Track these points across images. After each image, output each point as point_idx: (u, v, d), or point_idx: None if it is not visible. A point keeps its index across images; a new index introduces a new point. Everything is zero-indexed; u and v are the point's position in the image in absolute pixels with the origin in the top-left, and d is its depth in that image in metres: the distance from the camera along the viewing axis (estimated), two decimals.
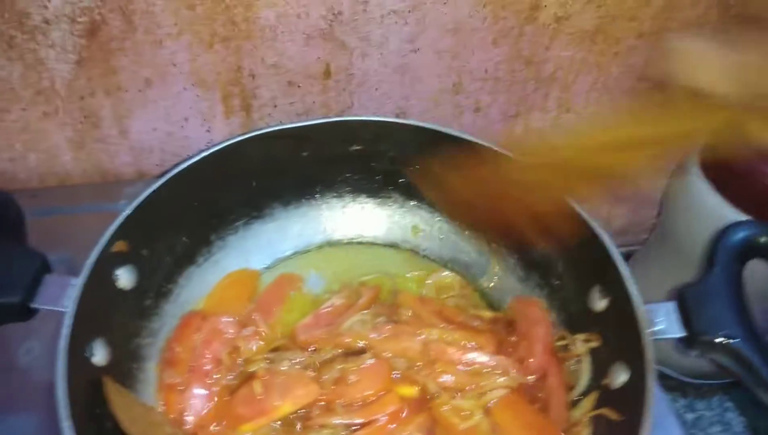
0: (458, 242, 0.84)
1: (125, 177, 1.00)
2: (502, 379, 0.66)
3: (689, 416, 1.14)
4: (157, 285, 0.72)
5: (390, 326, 0.70)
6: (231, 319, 0.71)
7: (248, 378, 0.67)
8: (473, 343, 0.68)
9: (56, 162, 0.96)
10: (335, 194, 0.85)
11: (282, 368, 0.67)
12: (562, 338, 0.69)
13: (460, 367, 0.67)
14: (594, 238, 0.67)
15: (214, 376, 0.67)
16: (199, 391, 0.66)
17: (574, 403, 0.65)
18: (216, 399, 0.66)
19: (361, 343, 0.70)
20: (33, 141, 0.92)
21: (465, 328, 0.70)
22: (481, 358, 0.67)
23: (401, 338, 0.69)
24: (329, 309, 0.74)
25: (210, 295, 0.75)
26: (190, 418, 0.65)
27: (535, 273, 0.77)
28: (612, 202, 1.15)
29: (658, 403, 0.55)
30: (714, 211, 0.91)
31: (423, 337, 0.68)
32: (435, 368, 0.67)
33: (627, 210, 1.22)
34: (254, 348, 0.70)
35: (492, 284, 0.80)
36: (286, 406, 0.64)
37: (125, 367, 0.66)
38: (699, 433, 1.14)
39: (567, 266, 0.72)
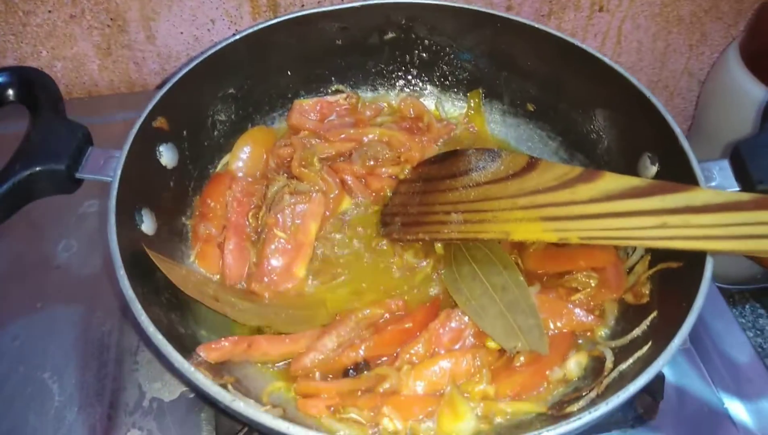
0: None
1: (152, 87, 0.98)
2: None
3: None
4: (199, 168, 0.71)
5: None
6: (256, 179, 0.72)
7: (269, 230, 0.67)
8: None
9: (83, 70, 0.94)
10: (369, 86, 0.84)
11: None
12: None
13: None
14: (641, 101, 0.65)
15: (245, 231, 0.68)
16: (234, 245, 0.66)
17: (630, 270, 0.64)
18: (250, 255, 0.67)
19: None
20: (59, 47, 0.91)
21: None
22: None
23: None
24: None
25: (233, 152, 0.75)
26: (232, 273, 0.65)
27: (580, 153, 0.75)
28: None
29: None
30: (755, 98, 0.89)
31: None
32: None
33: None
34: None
35: None
36: (311, 228, 0.67)
37: (171, 240, 0.66)
38: None
39: (613, 139, 0.71)
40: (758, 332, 1.17)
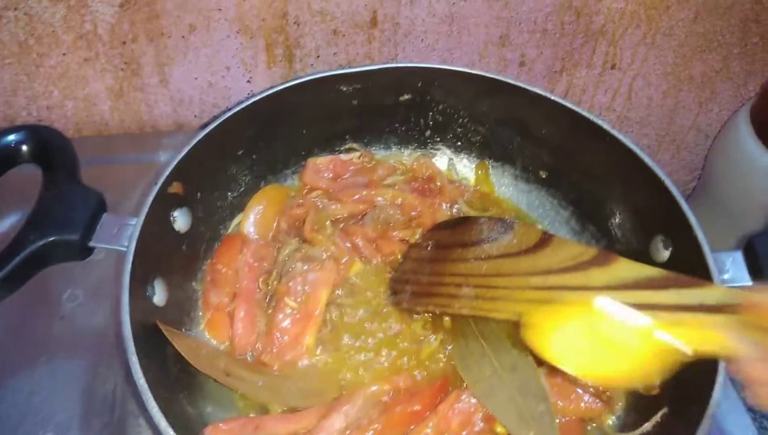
0: None
1: (163, 128, 0.98)
2: None
3: None
4: (211, 230, 0.71)
5: None
6: (268, 241, 0.72)
7: (279, 299, 0.67)
8: None
9: (94, 110, 0.94)
10: (383, 145, 0.84)
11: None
12: None
13: None
14: (657, 185, 0.65)
15: (255, 297, 0.67)
16: (245, 313, 0.66)
17: None
18: (260, 323, 0.66)
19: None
20: (71, 88, 0.91)
21: None
22: None
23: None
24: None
25: (245, 213, 0.75)
26: (241, 343, 0.65)
27: (591, 225, 0.75)
28: None
29: None
30: (763, 166, 0.89)
31: None
32: None
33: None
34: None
35: None
36: (322, 297, 0.67)
37: (180, 308, 0.65)
38: None
39: (627, 216, 0.71)
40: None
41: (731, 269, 0.60)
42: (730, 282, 0.59)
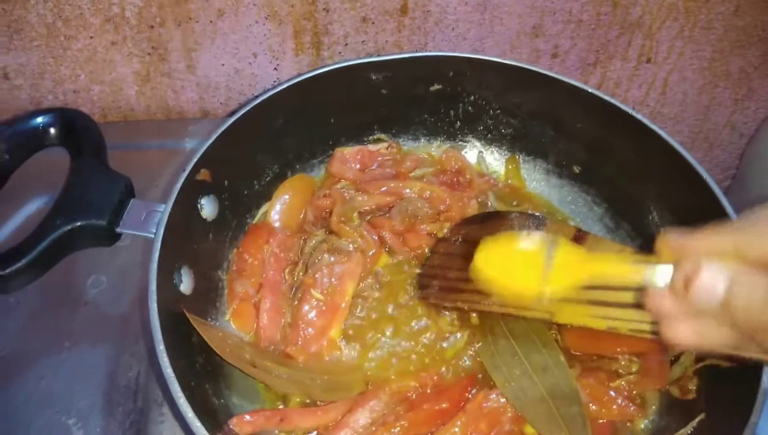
0: None
1: (189, 115, 0.97)
2: None
3: None
4: (237, 218, 0.70)
5: None
6: (294, 232, 0.71)
7: (305, 290, 0.66)
8: None
9: (120, 95, 0.93)
10: (411, 136, 0.82)
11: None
12: None
13: None
14: (697, 182, 0.63)
15: (281, 288, 0.66)
16: (270, 304, 0.65)
17: (674, 360, 0.62)
18: (285, 315, 0.65)
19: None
20: (98, 72, 0.90)
21: None
22: None
23: None
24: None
25: (272, 202, 0.74)
26: (267, 334, 0.64)
27: (626, 223, 0.73)
28: None
29: None
30: None
31: None
32: None
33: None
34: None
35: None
36: (349, 289, 0.65)
37: (205, 296, 0.64)
38: None
39: (664, 214, 0.69)
40: None
41: None
42: None
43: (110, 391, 0.68)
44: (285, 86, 0.69)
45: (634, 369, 0.61)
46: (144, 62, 0.89)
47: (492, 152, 0.82)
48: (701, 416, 0.55)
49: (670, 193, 0.68)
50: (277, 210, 0.73)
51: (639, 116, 0.68)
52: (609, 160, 0.74)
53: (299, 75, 0.71)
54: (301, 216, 0.73)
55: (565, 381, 0.59)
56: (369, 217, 0.74)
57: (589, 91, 0.71)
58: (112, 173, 0.61)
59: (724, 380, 0.56)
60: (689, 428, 0.55)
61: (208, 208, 0.65)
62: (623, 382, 0.60)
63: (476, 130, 0.82)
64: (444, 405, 0.59)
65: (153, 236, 0.57)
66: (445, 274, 0.69)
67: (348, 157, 0.78)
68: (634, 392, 0.60)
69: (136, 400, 0.67)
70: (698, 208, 0.64)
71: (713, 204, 0.62)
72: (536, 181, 0.80)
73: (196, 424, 0.46)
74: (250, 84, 0.94)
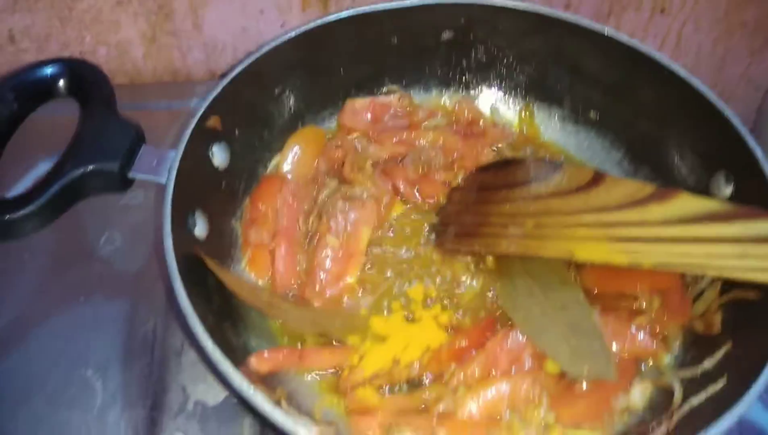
0: None
1: (196, 76, 0.96)
2: None
3: None
4: (249, 168, 0.69)
5: None
6: (307, 182, 0.71)
7: (320, 237, 0.65)
8: None
9: (127, 57, 0.93)
10: (423, 87, 0.81)
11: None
12: None
13: None
14: (719, 119, 0.62)
15: (296, 236, 0.66)
16: (285, 252, 0.65)
17: (697, 296, 0.61)
18: (301, 261, 0.65)
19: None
20: (104, 33, 0.89)
21: None
22: None
23: None
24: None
25: (283, 153, 0.73)
26: (283, 280, 0.64)
27: (646, 166, 0.72)
28: None
29: None
30: None
31: None
32: None
33: None
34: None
35: None
36: (364, 236, 0.65)
37: (221, 244, 0.64)
38: None
39: (686, 154, 0.67)
40: None
41: None
42: None
43: (128, 342, 0.67)
44: (293, 35, 0.68)
45: (655, 306, 0.60)
46: (150, 22, 0.88)
47: (506, 102, 0.81)
48: (728, 346, 0.54)
49: (691, 132, 0.67)
50: (288, 161, 0.72)
51: (658, 56, 0.67)
52: (627, 103, 0.72)
53: (306, 23, 0.70)
54: (314, 166, 0.72)
55: (585, 318, 0.58)
56: (382, 167, 0.73)
57: (606, 33, 0.70)
58: (123, 120, 0.61)
59: (750, 311, 0.55)
60: (716, 359, 0.54)
61: (219, 156, 0.64)
62: (644, 319, 0.59)
63: (489, 79, 0.80)
64: (463, 343, 0.58)
65: (163, 181, 0.57)
66: (461, 220, 0.68)
67: (359, 108, 0.77)
68: (657, 329, 0.59)
69: (153, 350, 0.67)
70: (721, 146, 0.62)
71: (736, 140, 0.60)
72: (552, 129, 0.79)
73: (216, 355, 0.46)
74: (257, 43, 0.92)
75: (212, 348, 0.46)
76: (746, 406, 0.45)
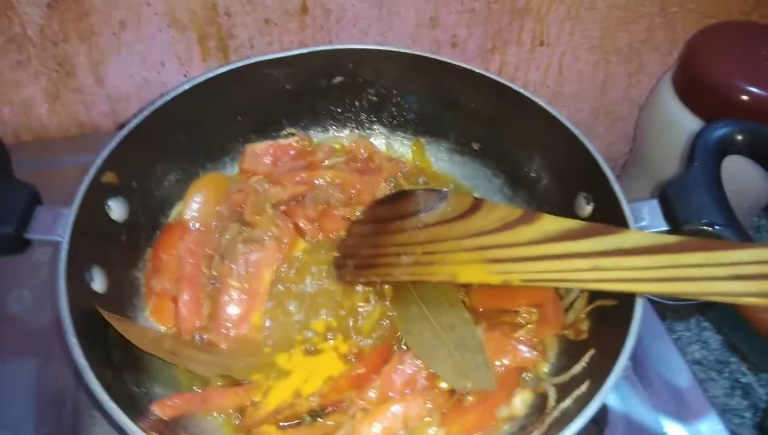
0: None
1: (103, 129, 0.98)
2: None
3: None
4: (149, 218, 0.72)
5: None
6: (210, 228, 0.73)
7: (223, 280, 0.68)
8: None
9: (31, 115, 0.94)
10: (320, 128, 0.86)
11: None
12: None
13: None
14: (575, 144, 0.69)
15: (199, 281, 0.69)
16: (189, 298, 0.67)
17: (569, 308, 0.67)
18: (205, 306, 0.68)
19: None
20: (6, 93, 0.90)
21: None
22: None
23: None
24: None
25: (185, 201, 0.76)
26: (187, 326, 0.66)
27: (522, 190, 0.79)
28: None
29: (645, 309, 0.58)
30: (688, 128, 0.93)
31: None
32: None
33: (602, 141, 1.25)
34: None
35: None
36: (266, 276, 0.69)
37: (123, 295, 0.66)
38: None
39: (551, 178, 0.74)
40: (703, 345, 1.22)
41: (647, 217, 0.63)
42: (648, 228, 0.62)
43: (39, 401, 0.68)
44: (187, 87, 0.72)
45: (533, 319, 0.66)
46: (52, 79, 0.90)
47: (398, 137, 0.86)
48: (591, 352, 0.60)
49: (553, 157, 0.74)
50: (191, 208, 0.75)
51: (520, 90, 0.74)
52: (502, 135, 0.79)
53: (200, 75, 0.73)
54: (216, 212, 0.75)
55: (470, 335, 0.63)
56: (283, 208, 0.76)
57: (477, 72, 0.76)
58: (17, 182, 0.62)
59: (610, 317, 0.61)
60: (582, 364, 0.60)
61: (117, 210, 0.67)
62: (524, 332, 0.65)
63: (381, 117, 0.86)
64: (360, 371, 0.62)
65: (60, 239, 0.59)
66: (359, 253, 0.73)
67: (259, 152, 0.81)
68: (535, 340, 0.65)
69: (65, 406, 0.68)
70: (579, 169, 0.69)
71: (590, 163, 0.67)
72: (441, 160, 0.85)
73: (111, 405, 0.48)
74: (161, 92, 0.95)
75: (107, 401, 0.48)
76: (598, 404, 0.51)
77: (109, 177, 0.65)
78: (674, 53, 1.13)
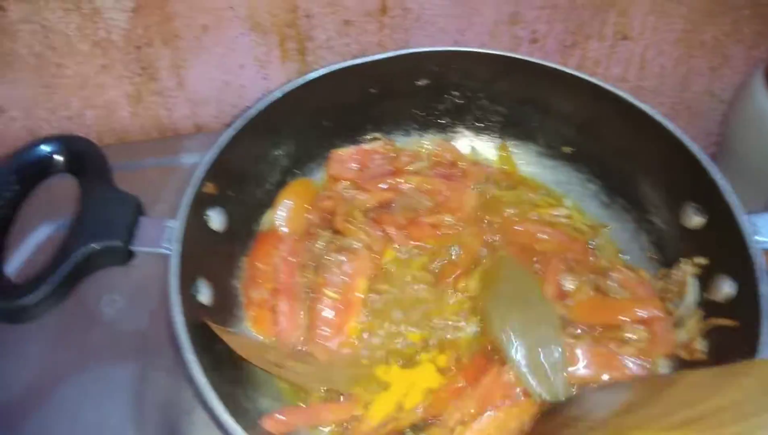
0: None
1: (183, 131, 0.99)
2: None
3: None
4: (243, 227, 0.72)
5: None
6: (301, 235, 0.73)
7: (318, 291, 0.68)
8: None
9: (114, 118, 0.95)
10: (402, 132, 0.84)
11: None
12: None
13: None
14: (683, 152, 0.66)
15: (295, 291, 0.68)
16: (288, 308, 0.67)
17: (678, 323, 0.64)
18: (303, 316, 0.67)
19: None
20: (90, 97, 0.91)
21: None
22: None
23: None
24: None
25: (275, 208, 0.76)
26: (287, 336, 0.66)
27: (620, 198, 0.76)
28: None
29: None
30: None
31: None
32: None
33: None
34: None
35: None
36: (360, 286, 0.68)
37: (225, 306, 0.66)
38: None
39: (654, 186, 0.71)
40: None
41: (764, 230, 0.60)
42: (764, 244, 0.60)
43: (138, 406, 0.69)
44: (275, 97, 0.71)
45: (641, 336, 0.63)
46: (134, 83, 0.91)
47: (483, 140, 0.84)
48: None
49: (657, 164, 0.71)
50: (281, 216, 0.75)
51: (616, 90, 0.71)
52: (597, 138, 0.76)
53: (288, 83, 0.72)
54: (306, 219, 0.75)
55: (552, 337, 0.62)
56: (372, 215, 0.76)
57: (568, 72, 0.74)
58: (122, 194, 0.63)
59: (730, 338, 0.59)
60: None
61: (216, 219, 0.67)
62: (632, 349, 0.63)
63: (465, 120, 0.84)
64: (461, 384, 0.61)
65: (167, 252, 0.59)
66: None
67: (345, 157, 0.80)
68: (643, 358, 0.63)
69: (165, 411, 0.69)
70: (687, 178, 0.66)
71: (701, 172, 0.64)
72: (530, 164, 0.83)
73: (231, 424, 0.48)
74: (240, 95, 0.95)
75: (228, 419, 0.48)
76: None
77: (209, 187, 0.65)
78: (761, 46, 1.08)
